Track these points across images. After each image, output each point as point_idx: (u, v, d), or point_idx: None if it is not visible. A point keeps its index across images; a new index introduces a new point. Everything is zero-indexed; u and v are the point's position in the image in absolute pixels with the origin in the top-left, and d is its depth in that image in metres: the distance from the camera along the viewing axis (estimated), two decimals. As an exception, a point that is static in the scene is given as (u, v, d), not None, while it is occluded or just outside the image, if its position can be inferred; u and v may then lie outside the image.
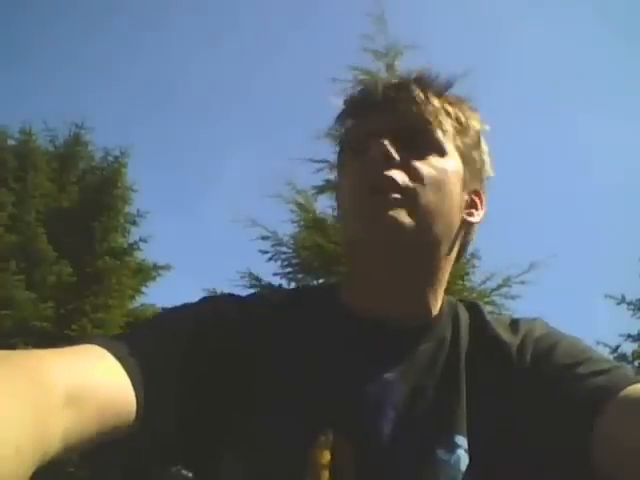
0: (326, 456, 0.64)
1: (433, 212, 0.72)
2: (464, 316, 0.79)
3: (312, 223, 6.19)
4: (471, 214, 0.79)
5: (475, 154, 0.80)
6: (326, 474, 0.64)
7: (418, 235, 0.71)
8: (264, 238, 6.28)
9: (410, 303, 0.76)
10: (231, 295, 0.82)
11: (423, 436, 0.68)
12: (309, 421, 0.67)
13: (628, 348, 7.31)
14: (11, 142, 9.83)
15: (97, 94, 19.98)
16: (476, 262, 5.98)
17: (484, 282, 5.91)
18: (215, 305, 0.77)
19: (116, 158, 9.92)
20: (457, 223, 0.77)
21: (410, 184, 0.72)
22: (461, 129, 0.78)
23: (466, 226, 0.79)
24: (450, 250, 0.77)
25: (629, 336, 7.39)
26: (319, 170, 6.12)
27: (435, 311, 0.77)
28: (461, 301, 0.82)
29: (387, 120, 0.75)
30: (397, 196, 0.71)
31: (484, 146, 0.82)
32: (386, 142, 0.72)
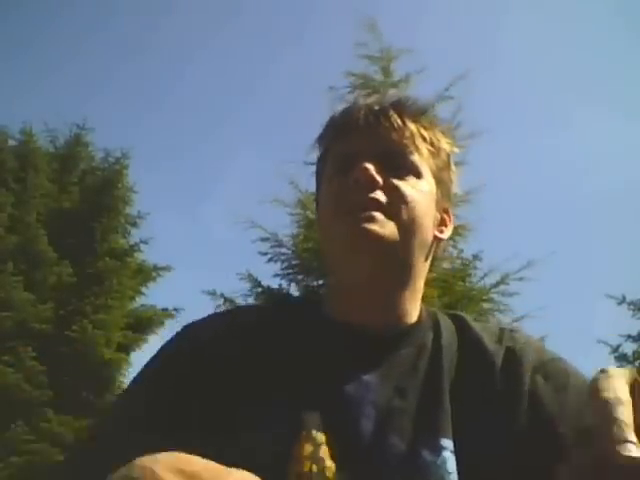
0: (308, 449, 0.65)
1: (412, 228, 0.77)
2: (446, 324, 0.81)
3: (314, 223, 6.19)
4: (442, 231, 0.85)
5: (446, 175, 0.85)
6: (308, 464, 0.64)
7: (399, 248, 0.76)
8: (263, 240, 6.29)
9: (389, 311, 0.78)
10: (210, 316, 0.84)
11: (407, 436, 0.68)
12: (291, 423, 0.67)
13: (628, 348, 7.32)
14: (11, 142, 9.88)
15: (98, 94, 20.06)
16: (478, 264, 5.98)
17: (482, 278, 5.91)
18: (192, 336, 0.78)
19: (117, 159, 9.96)
20: (431, 239, 0.81)
21: (392, 202, 0.76)
22: (434, 152, 0.83)
23: (437, 242, 0.84)
24: (425, 263, 0.82)
25: (629, 336, 7.39)
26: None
27: (413, 319, 0.80)
28: (446, 313, 0.85)
29: (369, 143, 0.80)
30: (380, 214, 0.75)
31: (453, 167, 0.87)
32: (370, 166, 0.76)
